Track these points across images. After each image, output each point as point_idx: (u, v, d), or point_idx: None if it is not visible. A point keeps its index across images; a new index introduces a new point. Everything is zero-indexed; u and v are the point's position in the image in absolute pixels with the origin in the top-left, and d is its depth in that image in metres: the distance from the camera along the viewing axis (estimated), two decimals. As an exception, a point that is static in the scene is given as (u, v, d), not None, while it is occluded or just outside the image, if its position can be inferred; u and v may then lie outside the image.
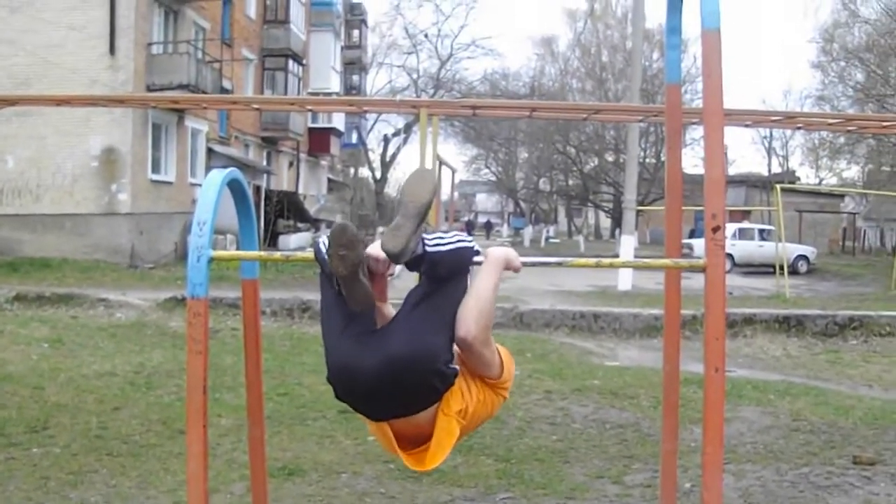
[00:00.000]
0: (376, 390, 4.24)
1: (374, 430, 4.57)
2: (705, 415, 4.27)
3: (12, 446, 9.63)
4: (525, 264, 4.54)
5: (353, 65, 71.06)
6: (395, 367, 4.16)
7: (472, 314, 4.26)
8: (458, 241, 4.42)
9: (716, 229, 4.21)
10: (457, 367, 4.39)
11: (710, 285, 4.21)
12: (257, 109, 20.99)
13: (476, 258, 4.44)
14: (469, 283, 4.49)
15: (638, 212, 39.55)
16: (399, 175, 78.09)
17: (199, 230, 4.26)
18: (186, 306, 4.34)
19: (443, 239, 4.40)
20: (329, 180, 69.15)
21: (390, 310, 4.66)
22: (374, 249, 4.38)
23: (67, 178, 33.18)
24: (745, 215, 56.99)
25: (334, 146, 62.64)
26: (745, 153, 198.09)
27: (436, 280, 4.35)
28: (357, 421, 10.67)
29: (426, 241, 4.33)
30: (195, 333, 4.26)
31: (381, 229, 47.08)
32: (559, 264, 4.64)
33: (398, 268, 4.61)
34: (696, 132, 56.80)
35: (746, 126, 12.83)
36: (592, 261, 4.71)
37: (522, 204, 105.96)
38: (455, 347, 4.39)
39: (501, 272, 4.45)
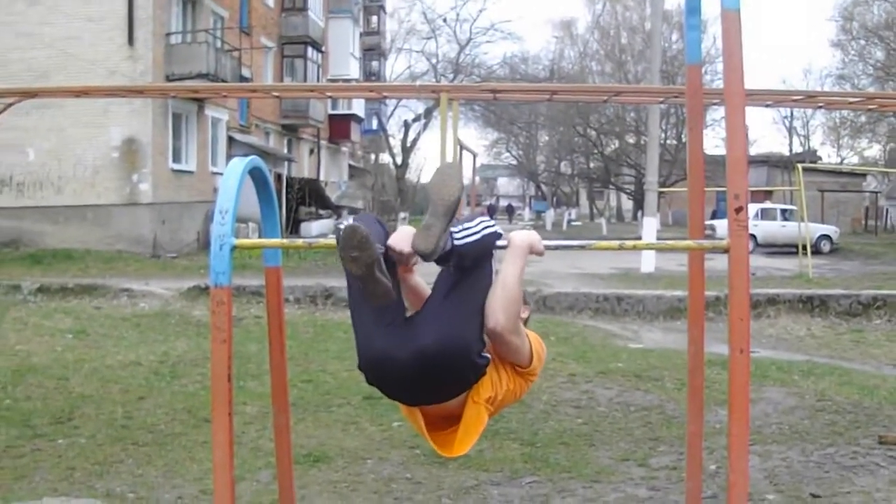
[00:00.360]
0: (408, 380, 4.26)
1: (405, 412, 4.60)
2: (731, 396, 4.26)
3: (38, 437, 9.67)
4: (548, 248, 4.53)
5: (372, 51, 71.01)
6: (427, 360, 4.18)
7: (500, 304, 4.26)
8: (484, 227, 4.41)
9: (738, 210, 4.18)
10: (488, 356, 4.39)
11: (734, 266, 4.19)
12: (277, 97, 21.02)
13: (499, 242, 4.44)
14: (493, 266, 4.49)
15: (660, 193, 39.45)
16: (420, 160, 78.15)
17: (222, 218, 4.25)
18: (210, 295, 4.34)
19: (468, 229, 4.38)
20: (350, 167, 69.15)
21: (421, 284, 4.68)
22: (399, 243, 4.36)
23: (88, 170, 33.25)
24: (768, 195, 56.77)
25: (355, 133, 62.63)
26: (766, 133, 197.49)
27: (463, 269, 4.34)
28: (382, 407, 10.71)
29: (453, 235, 4.32)
30: (219, 322, 4.25)
31: (402, 215, 47.16)
32: (582, 247, 4.62)
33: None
34: (716, 113, 56.69)
35: (767, 106, 12.79)
36: (615, 243, 4.70)
37: (544, 187, 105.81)
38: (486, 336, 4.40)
39: (526, 257, 4.44)
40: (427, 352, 4.18)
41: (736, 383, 4.24)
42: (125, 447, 9.37)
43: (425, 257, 4.25)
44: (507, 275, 4.35)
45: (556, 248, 4.65)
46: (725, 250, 4.20)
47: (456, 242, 4.32)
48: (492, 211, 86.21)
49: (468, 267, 4.35)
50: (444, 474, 8.69)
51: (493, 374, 4.45)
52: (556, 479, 8.63)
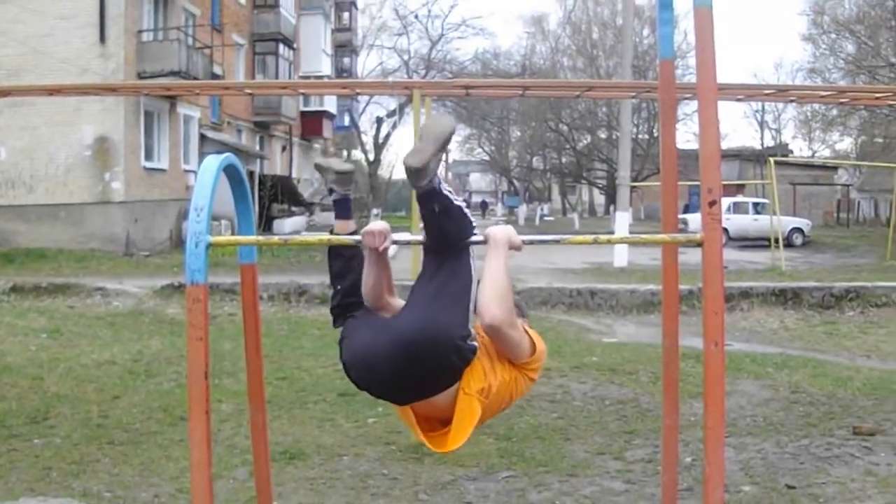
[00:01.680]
0: (394, 373, 4.29)
1: (399, 413, 4.60)
2: (706, 389, 4.28)
3: (13, 437, 9.64)
4: (525, 242, 4.55)
5: (344, 47, 70.85)
6: (408, 347, 4.23)
7: (492, 298, 4.27)
8: (465, 205, 4.49)
9: (712, 203, 4.21)
10: (475, 343, 4.40)
11: (708, 260, 4.22)
12: (250, 94, 20.99)
13: (476, 237, 4.48)
14: (471, 263, 4.52)
15: (632, 188, 39.50)
16: (392, 157, 78.01)
17: (197, 216, 4.25)
18: (185, 293, 4.34)
19: (453, 194, 4.48)
20: (322, 163, 69.05)
21: (399, 302, 4.71)
22: (370, 226, 4.45)
23: (61, 168, 33.11)
24: (740, 189, 57.04)
25: (327, 129, 62.52)
26: (738, 127, 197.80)
27: (439, 249, 4.45)
28: (357, 403, 10.72)
29: (441, 182, 4.37)
30: (195, 320, 4.25)
31: (375, 211, 47.07)
32: (557, 242, 4.65)
33: (394, 247, 4.63)
34: (688, 107, 56.97)
35: (739, 100, 12.86)
36: (590, 237, 4.72)
37: (516, 183, 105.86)
38: (473, 326, 4.41)
39: (507, 251, 4.46)
40: (406, 337, 4.23)
41: (711, 376, 4.27)
42: (101, 446, 9.35)
43: (415, 173, 4.30)
44: (493, 269, 4.36)
45: (532, 242, 4.66)
46: (699, 244, 4.23)
47: (442, 187, 4.39)
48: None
49: (446, 233, 4.43)
50: (420, 470, 8.71)
51: (486, 364, 4.45)
52: (532, 473, 8.66)
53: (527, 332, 4.62)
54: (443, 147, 4.35)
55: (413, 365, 4.25)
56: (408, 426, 4.59)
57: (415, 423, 4.47)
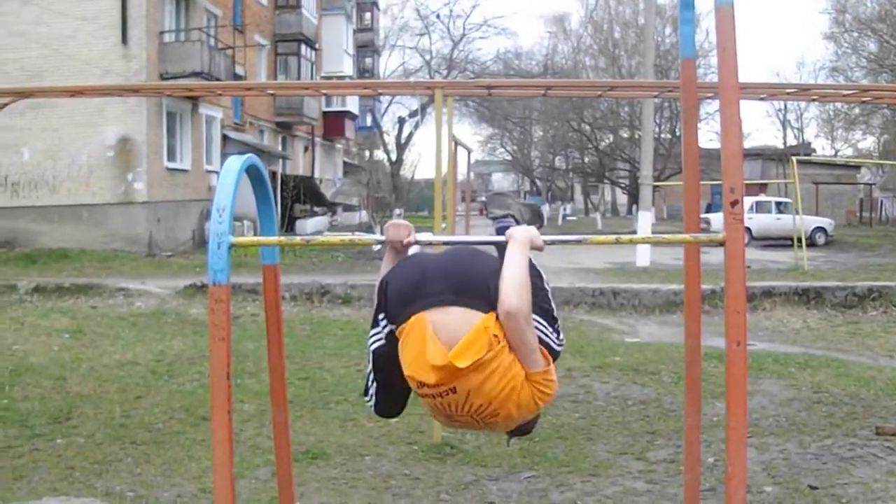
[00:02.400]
0: (440, 271, 4.29)
1: (412, 328, 4.47)
2: (728, 388, 4.27)
3: (36, 437, 9.68)
4: (546, 242, 4.54)
5: (366, 48, 70.84)
6: (458, 257, 4.40)
7: (512, 287, 4.23)
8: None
9: (734, 203, 4.19)
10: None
11: (730, 259, 4.20)
12: (272, 95, 21.00)
13: (496, 236, 4.54)
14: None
15: (654, 188, 39.43)
16: (414, 156, 78.05)
17: (219, 216, 4.25)
18: (207, 293, 4.35)
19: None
20: (345, 163, 69.15)
21: None
22: (394, 220, 4.63)
23: (83, 169, 33.22)
24: (762, 188, 56.89)
25: (349, 129, 62.57)
26: (760, 126, 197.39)
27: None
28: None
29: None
30: (217, 320, 4.25)
31: (397, 211, 47.07)
32: (579, 242, 4.63)
33: (416, 246, 4.64)
34: (710, 106, 56.62)
35: (762, 99, 12.79)
36: (612, 238, 4.70)
37: (538, 182, 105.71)
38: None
39: (527, 250, 4.45)
40: (458, 252, 4.46)
41: (733, 375, 4.25)
42: (124, 446, 9.38)
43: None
44: (513, 262, 4.33)
45: (554, 242, 4.65)
46: (721, 243, 4.21)
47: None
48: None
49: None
50: (442, 470, 8.72)
51: (505, 349, 4.40)
52: (554, 473, 8.65)
53: (543, 354, 4.57)
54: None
55: (457, 265, 4.30)
56: (419, 339, 4.44)
57: (426, 330, 4.36)
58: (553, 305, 4.63)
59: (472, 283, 4.29)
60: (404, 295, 4.37)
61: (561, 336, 4.63)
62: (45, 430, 9.95)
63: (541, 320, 4.50)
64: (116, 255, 30.99)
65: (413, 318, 4.25)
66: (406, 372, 4.22)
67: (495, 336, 4.16)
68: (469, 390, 4.16)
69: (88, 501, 7.13)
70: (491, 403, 4.22)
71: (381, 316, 4.42)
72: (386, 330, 4.41)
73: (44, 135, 32.82)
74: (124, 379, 12.63)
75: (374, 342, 4.46)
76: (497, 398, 4.23)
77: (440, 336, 4.17)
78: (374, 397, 4.54)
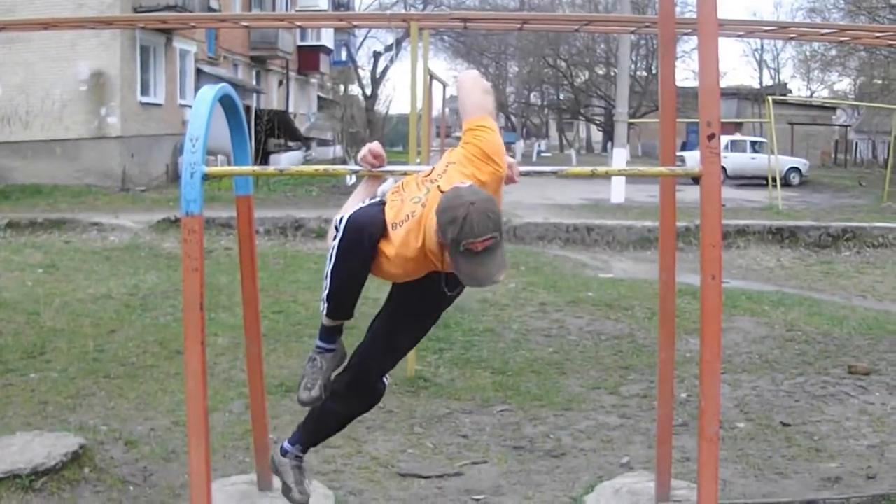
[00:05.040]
0: None
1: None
2: (702, 322, 4.27)
3: (9, 372, 9.63)
4: (522, 173, 4.53)
5: (342, -19, 70.41)
6: None
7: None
8: None
9: (711, 137, 4.18)
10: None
11: (706, 192, 4.19)
12: (246, 27, 20.80)
13: None
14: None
15: (629, 125, 39.43)
16: (389, 91, 77.75)
17: (192, 146, 4.22)
18: (180, 225, 4.32)
19: None
20: (319, 98, 68.76)
21: None
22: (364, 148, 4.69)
23: (56, 104, 32.92)
24: (738, 127, 56.81)
25: (324, 64, 62.24)
26: (737, 66, 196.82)
27: None
28: (353, 337, 10.72)
29: None
30: (190, 250, 4.24)
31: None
32: (555, 173, 4.63)
33: (391, 180, 4.66)
34: (687, 44, 56.57)
35: (739, 37, 12.75)
36: (588, 169, 4.71)
37: (513, 119, 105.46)
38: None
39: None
40: None
41: (707, 309, 4.26)
42: (97, 380, 9.35)
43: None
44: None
45: (529, 173, 4.65)
46: (697, 177, 4.20)
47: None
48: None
49: None
50: (415, 403, 8.74)
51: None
52: (527, 407, 8.69)
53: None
54: None
55: None
56: None
57: None
58: None
59: None
60: None
61: None
62: (18, 364, 9.90)
63: None
64: (90, 189, 30.80)
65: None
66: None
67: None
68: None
69: (62, 436, 7.10)
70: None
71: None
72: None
73: (17, 69, 32.45)
74: (98, 313, 12.59)
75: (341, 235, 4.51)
76: None
77: None
78: (326, 302, 4.62)
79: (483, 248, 4.02)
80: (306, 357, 4.91)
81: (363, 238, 4.35)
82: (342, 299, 4.59)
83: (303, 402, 4.84)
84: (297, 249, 19.16)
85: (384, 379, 5.04)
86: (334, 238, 4.42)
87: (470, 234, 3.99)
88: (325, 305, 4.62)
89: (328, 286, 4.54)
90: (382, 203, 4.53)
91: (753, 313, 13.20)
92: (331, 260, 4.45)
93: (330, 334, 4.82)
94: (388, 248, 4.37)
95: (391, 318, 4.93)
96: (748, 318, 12.90)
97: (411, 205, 4.40)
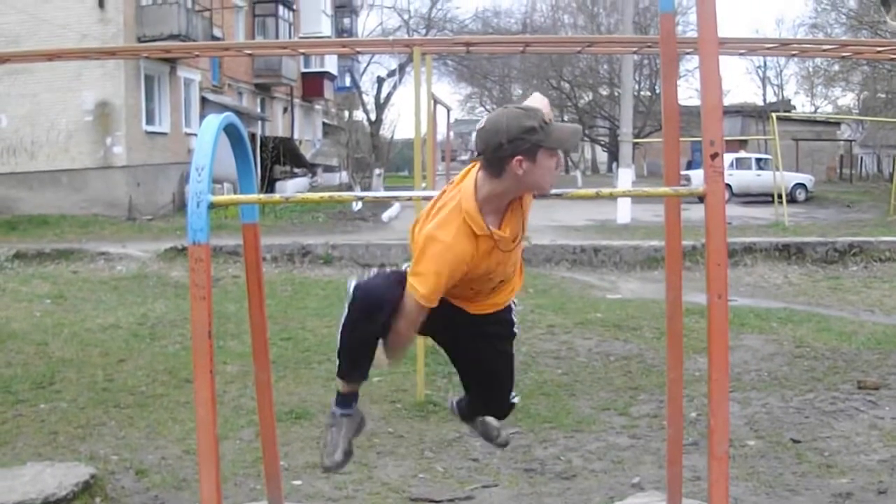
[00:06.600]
0: None
1: None
2: (710, 342, 4.27)
3: (20, 403, 9.65)
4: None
5: (344, 8, 70.39)
6: None
7: None
8: None
9: (714, 156, 4.19)
10: None
11: (711, 211, 4.20)
12: (250, 55, 20.87)
13: None
14: None
15: (634, 145, 39.44)
16: (394, 116, 77.89)
17: (198, 175, 4.23)
18: (188, 254, 4.33)
19: None
20: (324, 124, 68.88)
21: None
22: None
23: (62, 134, 33.03)
24: (742, 145, 56.81)
25: (328, 90, 62.32)
26: (740, 83, 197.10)
27: None
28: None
29: None
30: (198, 279, 4.25)
31: (377, 171, 46.86)
32: (560, 196, 4.64)
33: (397, 207, 4.69)
34: (689, 63, 56.78)
35: (741, 54, 12.81)
36: (592, 191, 4.71)
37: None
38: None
39: None
40: None
41: (715, 328, 4.26)
42: (107, 410, 9.37)
43: None
44: None
45: (535, 197, 4.66)
46: (702, 196, 4.21)
47: None
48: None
49: None
50: (425, 427, 8.75)
51: None
52: (537, 429, 8.69)
53: None
54: None
55: None
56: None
57: None
58: None
59: None
60: None
61: None
62: (28, 395, 9.92)
63: None
64: (97, 219, 30.86)
65: None
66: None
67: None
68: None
69: (73, 465, 7.11)
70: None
71: None
72: None
73: (22, 101, 32.59)
74: (107, 343, 12.61)
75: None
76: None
77: None
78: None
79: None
80: (325, 423, 4.95)
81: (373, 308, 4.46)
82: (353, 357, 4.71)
83: (327, 469, 4.88)
84: (304, 276, 19.18)
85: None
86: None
87: (538, 113, 4.23)
88: (337, 364, 4.69)
89: (338, 343, 4.62)
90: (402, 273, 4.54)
91: (762, 330, 13.20)
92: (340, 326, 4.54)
93: (346, 400, 4.83)
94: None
95: (465, 364, 5.24)
96: (757, 335, 12.90)
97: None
